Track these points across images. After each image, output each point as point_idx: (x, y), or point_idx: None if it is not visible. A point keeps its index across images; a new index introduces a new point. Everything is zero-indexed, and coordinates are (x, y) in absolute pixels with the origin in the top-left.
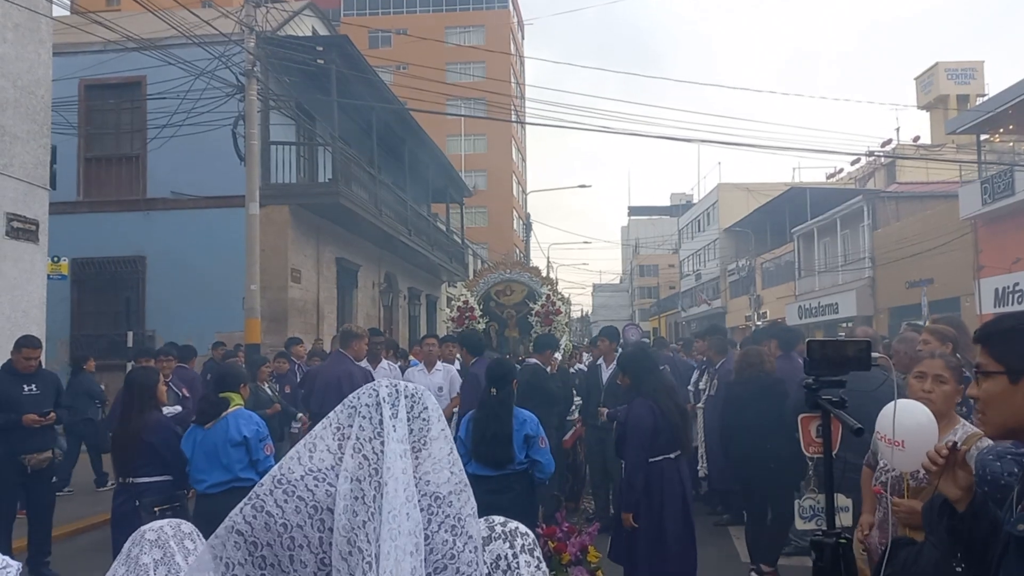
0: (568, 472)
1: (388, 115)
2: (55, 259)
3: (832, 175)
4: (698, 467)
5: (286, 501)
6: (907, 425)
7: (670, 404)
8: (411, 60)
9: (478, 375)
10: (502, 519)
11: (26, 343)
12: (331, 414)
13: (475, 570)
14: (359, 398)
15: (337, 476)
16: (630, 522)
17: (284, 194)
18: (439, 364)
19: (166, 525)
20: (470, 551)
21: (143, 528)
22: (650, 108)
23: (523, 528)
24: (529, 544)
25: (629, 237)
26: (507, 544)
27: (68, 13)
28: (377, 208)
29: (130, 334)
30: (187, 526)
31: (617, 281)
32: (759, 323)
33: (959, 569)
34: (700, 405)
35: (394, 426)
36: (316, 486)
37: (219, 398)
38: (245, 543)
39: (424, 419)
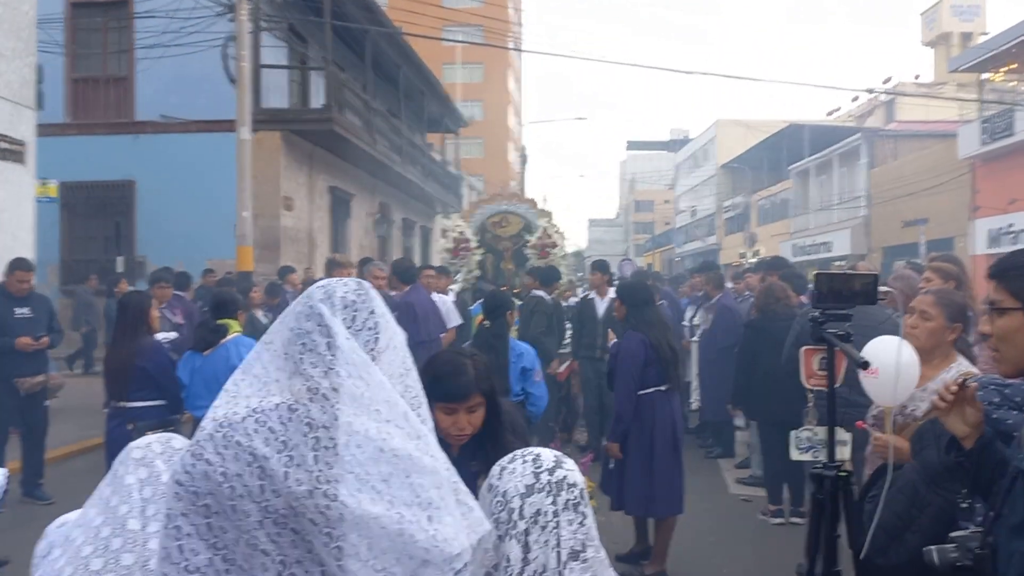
0: (561, 404)
1: (383, 40)
2: (43, 181)
3: (831, 113)
4: (690, 400)
5: (225, 447)
6: (881, 355)
7: (662, 337)
8: None
9: (412, 304)
10: (551, 461)
11: (19, 265)
12: (274, 339)
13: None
14: (298, 320)
15: (280, 420)
16: (616, 452)
17: (276, 119)
18: (435, 295)
19: (154, 441)
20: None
21: (131, 445)
22: (652, 40)
23: (572, 477)
24: (575, 498)
25: (627, 172)
26: (549, 499)
27: None
28: (371, 136)
29: (120, 259)
30: (179, 440)
31: (613, 216)
32: (752, 260)
33: (964, 505)
34: (695, 339)
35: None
36: (256, 431)
37: (217, 325)
38: (186, 493)
39: (371, 328)
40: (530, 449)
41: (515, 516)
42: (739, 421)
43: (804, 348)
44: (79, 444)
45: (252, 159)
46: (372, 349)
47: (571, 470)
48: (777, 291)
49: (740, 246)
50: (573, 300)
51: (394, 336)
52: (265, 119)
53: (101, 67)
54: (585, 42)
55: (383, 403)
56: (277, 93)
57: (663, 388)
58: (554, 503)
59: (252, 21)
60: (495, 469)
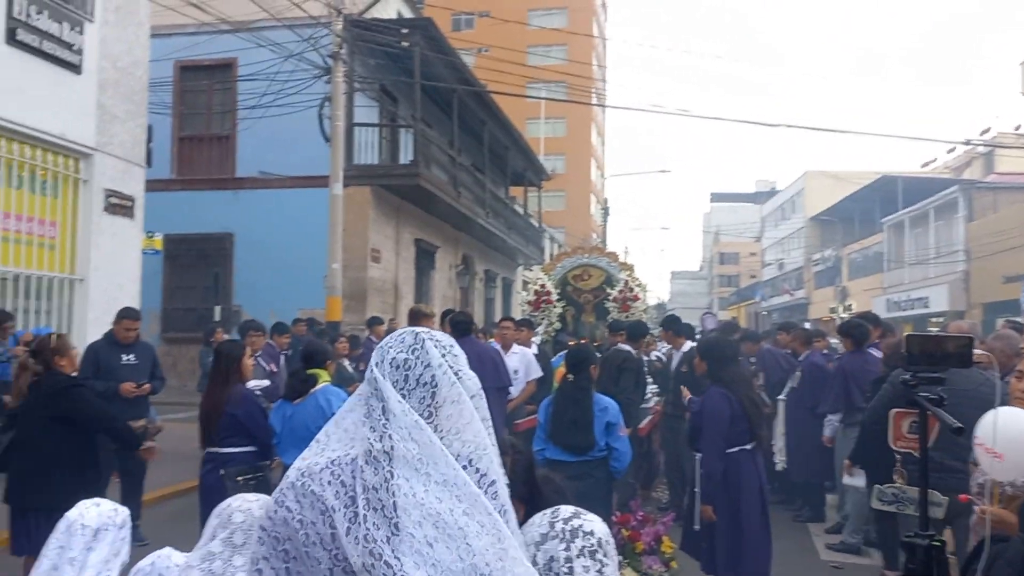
0: (643, 460)
1: (469, 97)
2: (149, 234)
3: (926, 164)
4: (775, 460)
5: (303, 496)
6: (1008, 436)
7: (745, 394)
8: (493, 43)
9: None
10: (570, 512)
11: (127, 314)
12: (359, 396)
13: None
14: (366, 382)
15: (352, 474)
16: (710, 514)
17: (366, 175)
18: (515, 347)
19: (254, 505)
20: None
21: (231, 507)
22: (735, 95)
23: (589, 527)
24: (591, 546)
25: (711, 224)
26: (563, 545)
27: None
28: (456, 190)
29: (217, 308)
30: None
31: (696, 268)
32: (844, 315)
33: None
34: (781, 397)
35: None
36: (330, 482)
37: (307, 375)
38: (268, 537)
39: (425, 383)
40: (557, 506)
41: (534, 563)
42: (856, 480)
43: (895, 411)
44: (174, 487)
45: (343, 213)
46: (429, 405)
47: (590, 520)
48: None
49: (831, 300)
50: (655, 354)
51: (453, 387)
52: (356, 175)
53: (205, 126)
54: (663, 97)
55: (433, 464)
56: (368, 150)
57: (748, 447)
58: (567, 549)
59: (347, 83)
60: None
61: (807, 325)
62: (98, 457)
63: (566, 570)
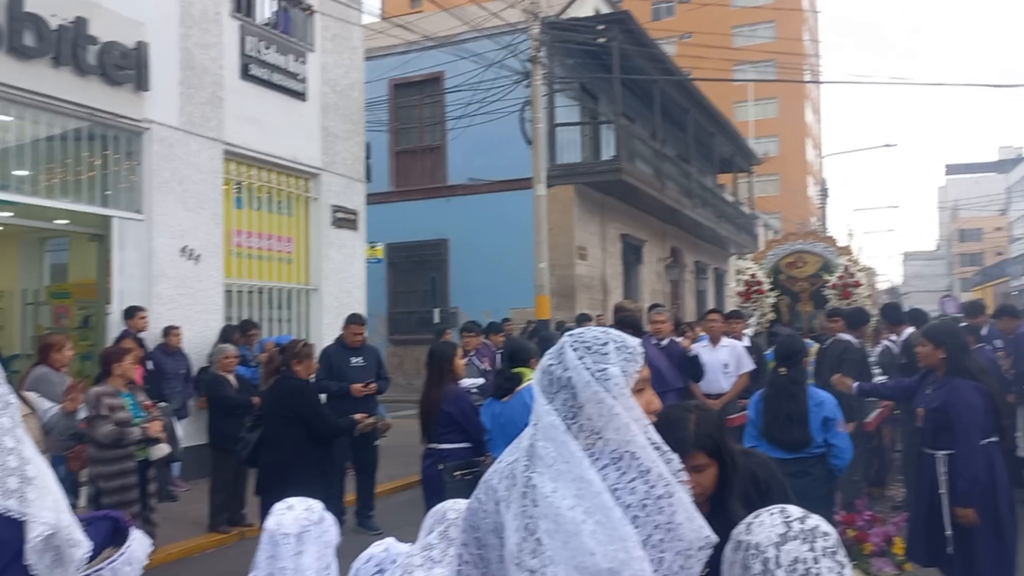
0: (872, 456)
1: (671, 87)
2: (372, 244)
3: None
4: (1021, 455)
5: (488, 490)
6: None
7: (993, 385)
8: (695, 28)
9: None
10: (800, 512)
11: (354, 320)
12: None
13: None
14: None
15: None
16: (973, 518)
17: (569, 173)
18: (724, 340)
19: (464, 506)
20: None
21: (445, 507)
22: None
23: (824, 526)
24: (831, 546)
25: (947, 199)
26: (807, 546)
27: (377, 19)
28: (660, 182)
29: (436, 310)
30: None
31: (932, 248)
32: None
33: None
34: None
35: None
36: (504, 476)
37: (512, 373)
38: (467, 525)
39: (565, 385)
40: (776, 505)
41: (771, 565)
42: None
43: None
44: (403, 480)
45: (548, 212)
46: (572, 406)
47: (821, 520)
48: None
49: None
50: (885, 343)
51: (588, 387)
52: (559, 174)
53: (418, 139)
54: (880, 66)
55: (565, 463)
56: (570, 148)
57: (995, 440)
58: (812, 549)
59: (546, 84)
60: (740, 527)
61: None
62: (333, 452)
63: (815, 571)
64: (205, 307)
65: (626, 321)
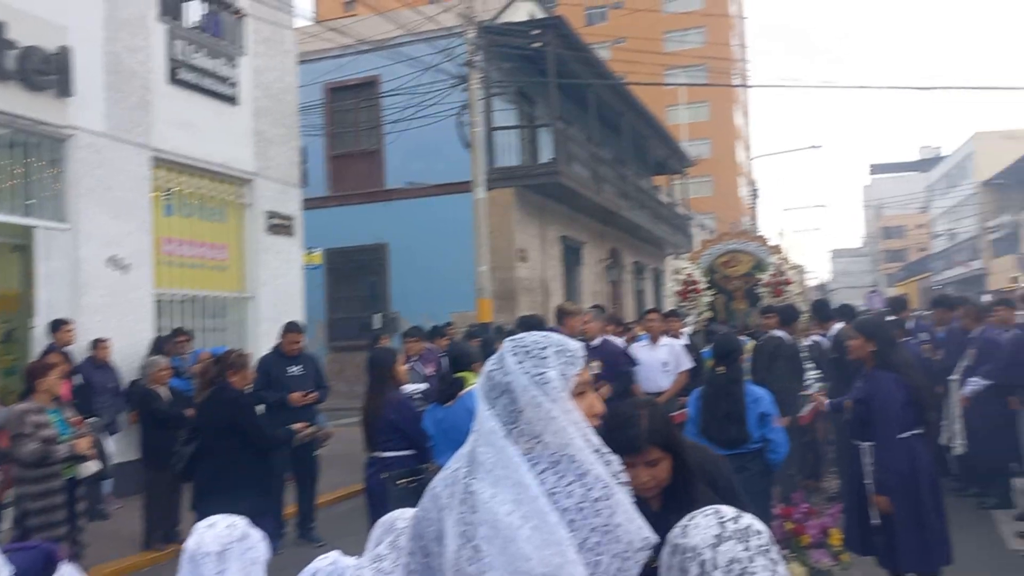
0: (807, 450)
1: (606, 91)
2: (309, 250)
3: None
4: (953, 444)
5: (432, 497)
6: None
7: (916, 378)
8: (628, 33)
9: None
10: (733, 512)
11: (291, 328)
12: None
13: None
14: None
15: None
16: (887, 506)
17: (508, 177)
18: (664, 339)
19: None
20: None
21: (393, 516)
22: (885, 59)
23: (757, 524)
24: (764, 544)
25: (872, 197)
26: (742, 546)
27: (310, 23)
28: (598, 184)
29: (377, 316)
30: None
31: (859, 245)
32: None
33: None
34: (954, 377)
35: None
36: (447, 482)
37: (455, 378)
38: (413, 533)
39: (504, 391)
40: (709, 506)
41: (708, 567)
42: None
43: None
44: (345, 489)
45: (487, 216)
46: (512, 411)
47: (754, 519)
48: None
49: (1012, 270)
50: (814, 338)
51: (527, 392)
52: (498, 177)
53: (355, 143)
54: (808, 71)
55: (503, 468)
56: (508, 152)
57: (919, 431)
58: (746, 549)
59: (483, 88)
60: (676, 530)
61: (987, 297)
62: (271, 464)
63: (751, 570)
64: (135, 318)
65: (530, 324)
